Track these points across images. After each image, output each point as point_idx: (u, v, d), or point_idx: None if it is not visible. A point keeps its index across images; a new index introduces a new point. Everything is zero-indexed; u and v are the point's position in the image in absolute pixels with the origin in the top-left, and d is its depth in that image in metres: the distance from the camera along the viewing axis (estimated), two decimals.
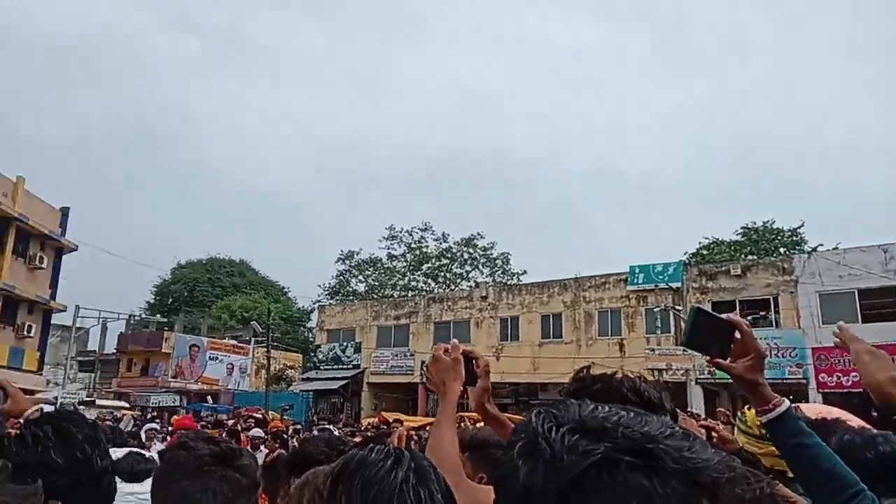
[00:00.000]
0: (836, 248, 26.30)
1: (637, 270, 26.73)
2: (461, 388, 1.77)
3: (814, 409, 2.62)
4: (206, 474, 1.52)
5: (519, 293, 31.34)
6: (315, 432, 11.39)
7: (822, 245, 31.96)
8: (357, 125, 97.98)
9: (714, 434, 2.67)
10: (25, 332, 27.57)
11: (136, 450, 2.08)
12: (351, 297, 46.00)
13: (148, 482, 1.79)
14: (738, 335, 1.46)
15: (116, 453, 2.11)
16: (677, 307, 25.00)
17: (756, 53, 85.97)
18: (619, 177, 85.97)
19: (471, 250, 49.72)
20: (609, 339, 26.48)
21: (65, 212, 29.99)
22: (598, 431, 0.61)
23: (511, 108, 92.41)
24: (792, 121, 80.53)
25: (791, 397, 3.67)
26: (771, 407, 1.42)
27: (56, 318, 32.14)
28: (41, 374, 28.32)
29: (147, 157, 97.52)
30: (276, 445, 9.15)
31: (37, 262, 27.86)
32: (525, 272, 47.28)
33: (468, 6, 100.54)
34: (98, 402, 24.07)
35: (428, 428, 14.58)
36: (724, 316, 1.50)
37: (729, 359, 1.47)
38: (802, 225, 36.06)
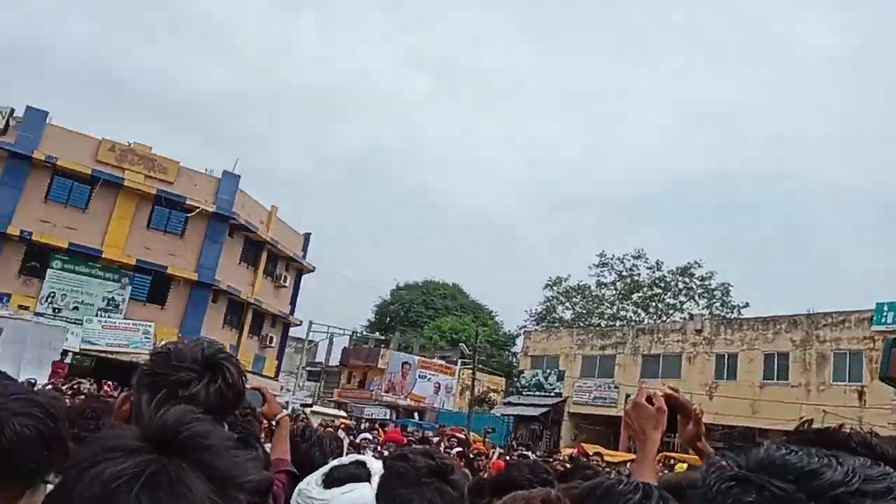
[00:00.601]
0: None
1: (885, 308, 23.39)
2: (661, 437, 1.69)
3: None
4: (423, 485, 1.66)
5: (739, 328, 29.01)
6: (515, 457, 11.46)
7: None
8: (579, 149, 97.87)
9: None
10: (268, 343, 31.28)
11: (359, 458, 2.30)
12: (557, 324, 45.72)
13: (335, 491, 1.99)
14: None
15: (343, 459, 2.30)
16: None
17: None
18: (865, 196, 76.07)
19: (686, 280, 47.07)
20: (846, 385, 23.39)
21: (307, 237, 33.90)
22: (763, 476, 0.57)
23: (746, 130, 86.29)
24: None
25: None
26: None
27: (292, 332, 36.13)
28: (277, 381, 31.77)
29: (380, 187, 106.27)
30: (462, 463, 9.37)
31: (281, 281, 31.67)
32: (747, 305, 43.67)
33: (702, 23, 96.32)
34: (317, 409, 26.32)
35: (629, 465, 13.97)
36: None
37: None
38: None
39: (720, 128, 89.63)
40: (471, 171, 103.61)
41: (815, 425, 1.59)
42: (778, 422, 23.84)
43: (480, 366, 37.92)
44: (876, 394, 22.55)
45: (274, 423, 2.52)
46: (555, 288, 50.81)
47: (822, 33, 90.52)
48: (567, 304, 50.66)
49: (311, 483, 2.11)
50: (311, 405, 29.28)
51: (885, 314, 23.30)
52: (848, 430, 1.40)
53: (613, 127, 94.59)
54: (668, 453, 17.16)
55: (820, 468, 0.56)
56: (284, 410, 2.69)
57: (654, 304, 47.14)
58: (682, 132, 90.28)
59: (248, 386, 2.48)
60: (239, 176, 28.18)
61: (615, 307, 48.56)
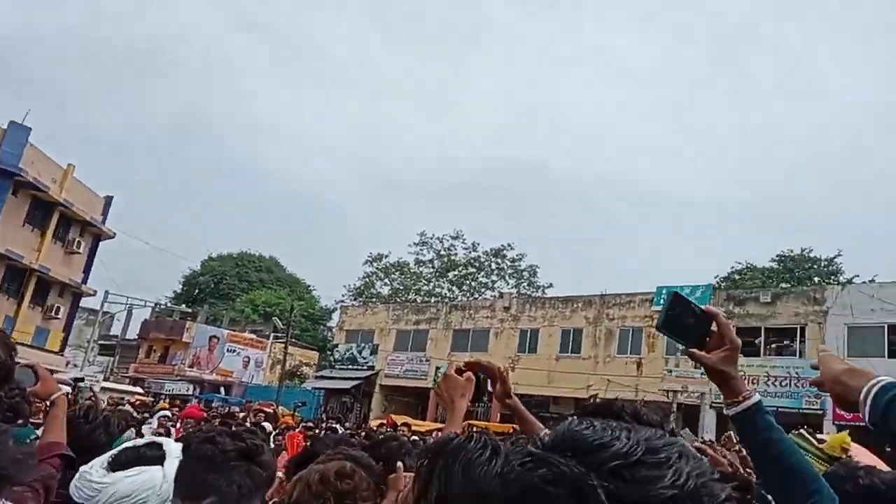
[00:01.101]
0: (871, 281, 25.68)
1: (664, 291, 26.38)
2: (468, 404, 1.83)
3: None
4: (231, 469, 1.61)
5: (542, 306, 31.15)
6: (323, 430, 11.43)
7: (857, 277, 31.29)
8: (411, 133, 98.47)
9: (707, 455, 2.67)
10: (53, 314, 28.13)
11: (157, 439, 2.13)
12: (374, 300, 46.14)
13: (118, 474, 1.85)
14: (714, 327, 1.45)
15: (138, 441, 2.16)
16: None
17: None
18: (665, 198, 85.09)
19: (499, 261, 49.61)
20: (627, 358, 26.14)
21: (108, 200, 30.73)
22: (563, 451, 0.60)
23: (565, 122, 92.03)
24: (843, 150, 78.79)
25: (805, 426, 3.61)
26: (741, 399, 1.40)
27: (85, 302, 32.83)
28: (62, 356, 28.80)
29: (199, 153, 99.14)
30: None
31: (74, 247, 28.50)
32: (551, 285, 47.03)
33: (529, 19, 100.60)
34: (107, 385, 24.27)
35: (435, 434, 14.52)
36: (702, 306, 1.47)
37: (704, 350, 1.46)
38: (839, 255, 35.41)
39: (540, 120, 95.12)
40: (297, 145, 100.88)
41: (600, 393, 1.84)
42: (567, 390, 26.15)
43: (294, 340, 37.20)
44: (650, 365, 25.54)
45: (49, 403, 2.28)
46: (374, 264, 51.23)
47: (634, 44, 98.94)
48: (385, 280, 51.30)
49: (94, 466, 1.93)
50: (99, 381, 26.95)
51: (663, 296, 26.30)
52: (621, 403, 1.59)
53: (445, 113, 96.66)
54: (471, 421, 18.06)
55: (610, 441, 0.58)
56: (64, 388, 2.40)
57: (468, 282, 49.19)
58: (506, 122, 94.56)
59: (18, 363, 2.21)
60: (29, 128, 24.87)
61: (431, 284, 49.99)
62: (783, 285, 29.55)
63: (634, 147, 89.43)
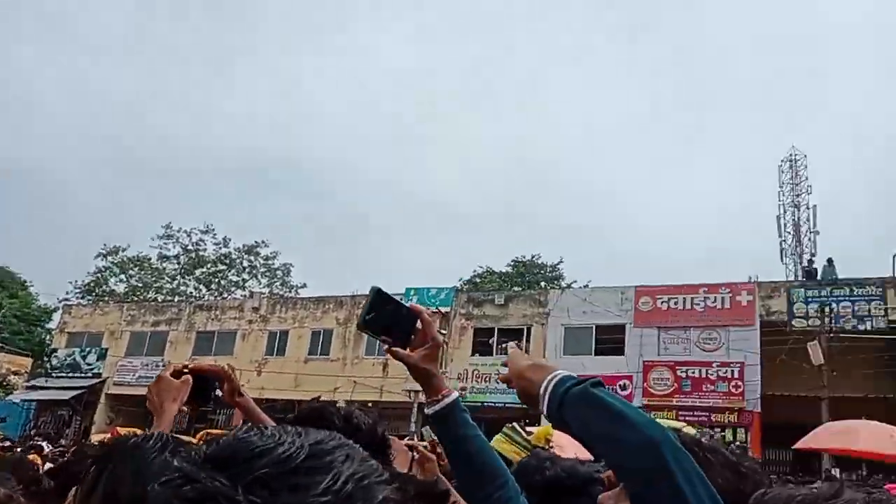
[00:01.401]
0: (585, 286, 29.15)
1: (412, 293, 27.32)
2: (178, 409, 1.78)
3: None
4: None
5: (293, 307, 30.53)
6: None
7: (576, 282, 35.43)
8: (160, 113, 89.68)
9: (416, 454, 2.75)
10: None
11: None
12: (106, 298, 41.56)
13: None
14: (419, 325, 1.47)
15: None
16: (442, 331, 25.98)
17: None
18: (412, 198, 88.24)
19: (252, 258, 47.68)
20: (374, 359, 26.62)
21: None
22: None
23: (323, 119, 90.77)
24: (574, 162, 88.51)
25: (526, 420, 3.76)
26: (440, 397, 1.45)
27: None
28: None
29: None
30: None
31: None
32: (304, 285, 46.36)
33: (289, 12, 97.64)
34: None
35: None
36: (406, 303, 1.48)
37: (408, 349, 1.48)
38: (561, 262, 39.83)
39: (299, 110, 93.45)
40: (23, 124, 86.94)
41: (346, 395, 1.87)
42: (314, 393, 25.76)
43: (1, 344, 32.08)
44: (396, 367, 26.09)
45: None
46: (109, 258, 46.21)
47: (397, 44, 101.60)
48: (122, 276, 46.54)
49: None
50: None
51: (411, 297, 27.20)
52: (334, 407, 1.65)
53: (209, 96, 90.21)
54: (210, 430, 16.99)
55: (272, 447, 0.56)
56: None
57: (216, 280, 46.61)
58: (263, 109, 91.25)
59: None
60: None
61: (176, 282, 46.49)
62: (515, 288, 32.44)
63: (402, 153, 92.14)
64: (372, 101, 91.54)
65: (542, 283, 36.46)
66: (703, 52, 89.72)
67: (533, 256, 40.25)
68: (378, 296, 1.43)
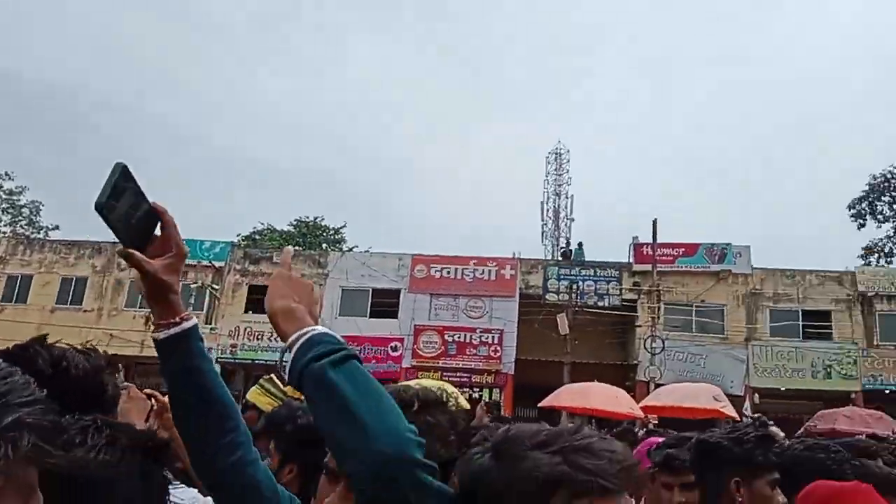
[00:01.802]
0: (366, 251, 29.62)
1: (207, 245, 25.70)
2: None
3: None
4: None
5: (41, 249, 27.09)
6: None
7: (357, 247, 35.81)
8: None
9: (156, 404, 2.56)
10: None
11: None
12: None
13: None
14: (160, 230, 1.21)
15: None
16: (215, 286, 24.89)
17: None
18: (201, 146, 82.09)
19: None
20: (136, 312, 24.68)
21: None
22: None
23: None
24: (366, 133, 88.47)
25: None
26: (178, 320, 1.19)
27: None
28: None
29: None
30: None
31: None
32: (57, 227, 41.18)
33: None
34: None
35: None
36: (151, 201, 1.18)
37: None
38: (345, 226, 39.91)
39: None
40: None
41: (102, 347, 1.57)
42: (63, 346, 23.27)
43: None
44: None
45: None
46: None
47: None
48: None
49: None
50: None
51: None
52: (39, 348, 1.36)
53: None
54: None
55: None
56: None
57: None
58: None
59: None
60: None
61: None
62: (297, 248, 31.93)
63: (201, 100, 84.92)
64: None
65: (324, 246, 36.32)
66: (489, 44, 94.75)
67: (316, 218, 39.87)
68: (123, 176, 1.12)
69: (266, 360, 22.05)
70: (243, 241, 35.93)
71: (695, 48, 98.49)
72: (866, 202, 34.92)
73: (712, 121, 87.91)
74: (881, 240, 34.59)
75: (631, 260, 24.49)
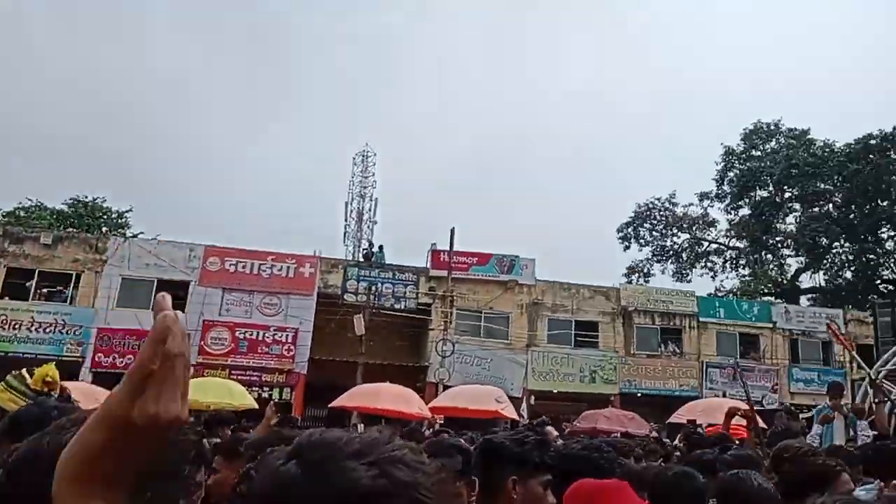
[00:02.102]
0: (154, 239, 27.41)
1: None
2: None
3: None
4: None
5: None
6: None
7: (143, 233, 32.97)
8: None
9: None
10: None
11: None
12: None
13: None
14: None
15: None
16: None
17: None
18: None
19: None
20: None
21: None
22: None
23: None
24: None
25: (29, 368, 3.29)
26: None
27: None
28: None
29: None
30: None
31: None
32: None
33: None
34: None
35: None
36: None
37: None
38: (130, 210, 36.56)
39: None
40: None
41: None
42: None
43: None
44: None
45: None
46: None
47: None
48: None
49: None
50: None
51: None
52: None
53: None
54: None
55: None
56: None
57: None
58: None
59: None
60: None
61: None
62: (71, 230, 28.67)
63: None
64: None
65: (105, 229, 32.94)
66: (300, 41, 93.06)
67: (96, 199, 36.05)
68: None
69: (24, 353, 19.49)
70: (4, 217, 31.52)
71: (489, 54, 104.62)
72: (632, 227, 39.60)
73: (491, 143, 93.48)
74: (641, 261, 39.42)
75: (428, 265, 25.36)
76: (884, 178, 33.39)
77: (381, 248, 27.63)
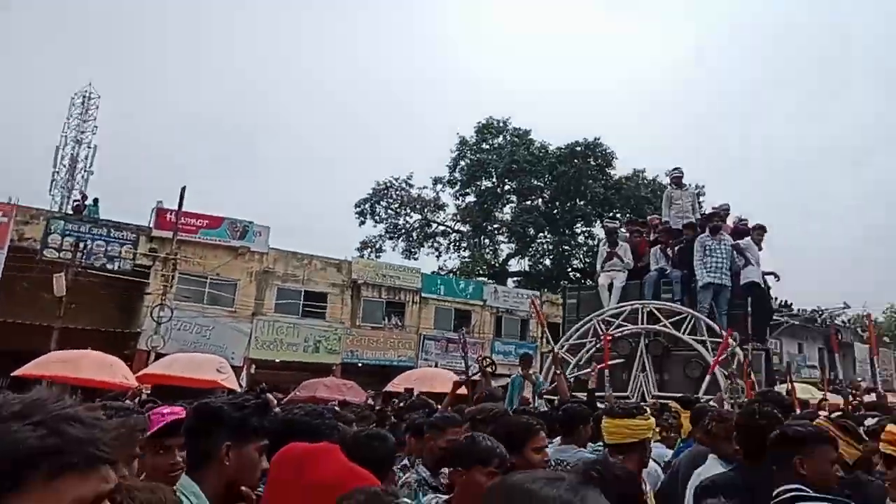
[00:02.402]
0: None
1: None
2: None
3: None
4: None
5: None
6: None
7: None
8: None
9: None
10: None
11: None
12: None
13: None
14: None
15: None
16: None
17: None
18: None
19: None
20: None
21: None
22: None
23: None
24: None
25: None
26: None
27: None
28: None
29: None
30: None
31: None
32: None
33: None
34: None
35: None
36: None
37: None
38: None
39: None
40: None
41: None
42: None
43: None
44: None
45: None
46: None
47: None
48: None
49: None
50: None
51: None
52: None
53: None
54: None
55: None
56: None
57: None
58: None
59: None
60: None
61: None
62: None
63: None
64: None
65: None
66: None
67: None
68: None
69: None
70: None
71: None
72: (369, 203, 40.67)
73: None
74: (375, 237, 40.72)
75: (152, 225, 23.31)
76: (583, 181, 38.73)
77: (95, 201, 24.68)
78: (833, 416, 10.17)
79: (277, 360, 24.23)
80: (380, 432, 2.77)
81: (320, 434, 2.36)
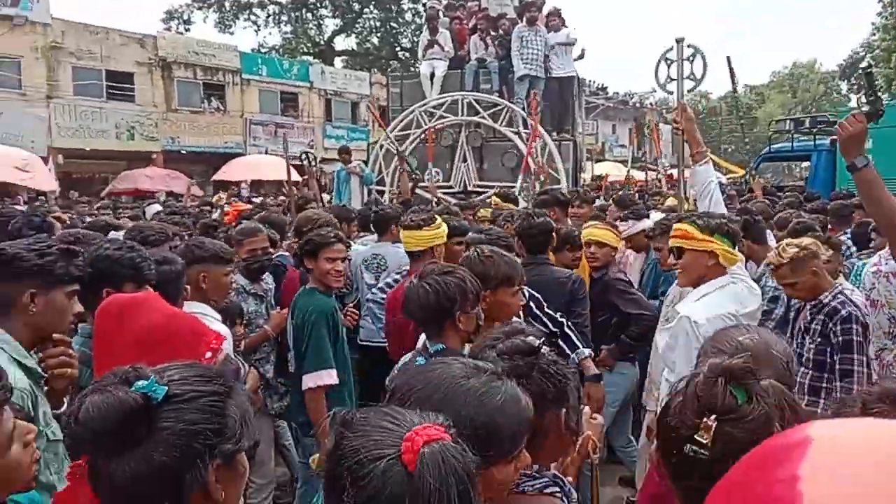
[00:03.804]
0: None
1: None
2: None
3: None
4: None
5: None
6: None
7: None
8: None
9: None
10: None
11: None
12: None
13: None
14: None
15: None
16: None
17: None
18: None
19: None
20: None
21: None
22: None
23: None
24: None
25: None
26: None
27: None
28: None
29: None
30: None
31: None
32: None
33: None
34: None
35: None
36: None
37: None
38: None
39: None
40: None
41: None
42: None
43: None
44: None
45: None
46: None
47: None
48: None
49: None
50: None
51: None
52: None
53: None
54: None
55: None
56: None
57: None
58: None
59: None
60: None
61: None
62: None
63: None
64: None
65: None
66: None
67: None
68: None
69: None
70: None
71: None
72: None
73: None
74: (181, 7, 36.12)
75: None
76: None
77: None
78: (624, 191, 11.69)
79: (88, 149, 22.19)
80: (167, 256, 2.74)
81: (138, 270, 2.40)
